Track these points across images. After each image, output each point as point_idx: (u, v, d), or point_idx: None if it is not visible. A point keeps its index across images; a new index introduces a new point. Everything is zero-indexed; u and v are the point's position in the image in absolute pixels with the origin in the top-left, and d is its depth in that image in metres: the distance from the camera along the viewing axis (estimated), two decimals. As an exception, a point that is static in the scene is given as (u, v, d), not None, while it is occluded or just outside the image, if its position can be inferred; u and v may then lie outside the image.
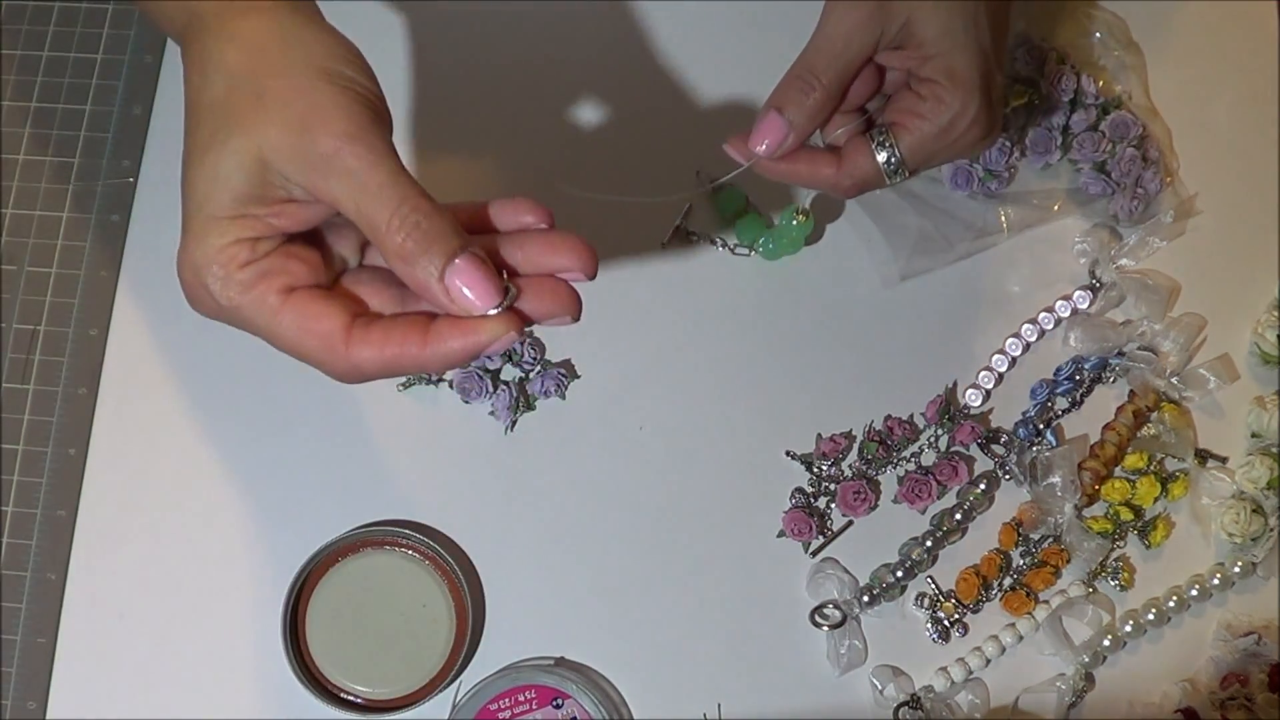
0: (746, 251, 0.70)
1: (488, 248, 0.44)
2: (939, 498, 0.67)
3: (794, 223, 0.67)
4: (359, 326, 0.44)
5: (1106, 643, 0.65)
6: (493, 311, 0.42)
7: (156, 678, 0.62)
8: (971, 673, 0.64)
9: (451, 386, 0.67)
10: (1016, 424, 0.69)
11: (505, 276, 0.43)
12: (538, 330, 0.68)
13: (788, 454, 0.67)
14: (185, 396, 0.67)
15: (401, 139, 0.72)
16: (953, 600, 0.66)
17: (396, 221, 0.42)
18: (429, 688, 0.62)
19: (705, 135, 0.69)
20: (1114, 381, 0.70)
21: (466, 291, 0.42)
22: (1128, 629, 0.65)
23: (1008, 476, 0.68)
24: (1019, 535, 0.67)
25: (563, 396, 0.68)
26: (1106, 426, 0.68)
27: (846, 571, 0.65)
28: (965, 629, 0.65)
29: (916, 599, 0.66)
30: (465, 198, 0.48)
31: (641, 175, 0.71)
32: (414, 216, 0.42)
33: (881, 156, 0.56)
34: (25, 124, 0.71)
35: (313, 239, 0.47)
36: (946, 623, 0.65)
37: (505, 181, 0.71)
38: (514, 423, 0.67)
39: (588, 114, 0.72)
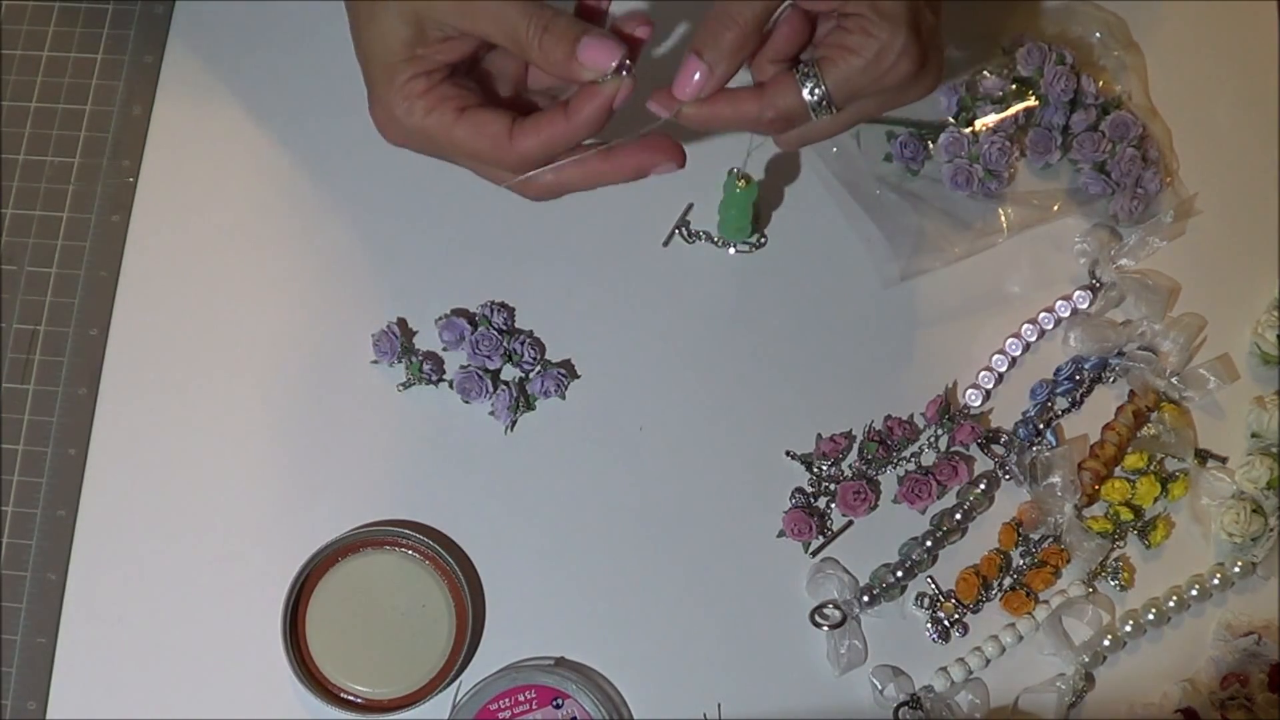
0: (748, 248, 0.70)
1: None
2: (939, 498, 0.67)
3: (736, 189, 0.65)
4: (518, 125, 0.53)
5: (1106, 643, 0.65)
6: (613, 64, 0.52)
7: (156, 678, 0.62)
8: (971, 673, 0.64)
9: (452, 386, 0.67)
10: (1016, 424, 0.69)
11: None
12: (538, 330, 0.68)
13: (788, 454, 0.67)
14: (185, 396, 0.67)
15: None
16: (953, 600, 0.66)
17: (532, 31, 0.52)
18: (429, 688, 0.62)
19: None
20: (1114, 381, 0.70)
21: (596, 57, 0.52)
22: (1128, 629, 0.65)
23: (1008, 476, 0.68)
24: (1019, 535, 0.67)
25: (563, 396, 0.68)
26: (1106, 426, 0.68)
27: (846, 571, 0.65)
28: (965, 629, 0.65)
29: (916, 599, 0.66)
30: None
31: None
32: (542, 22, 0.52)
33: (806, 89, 0.54)
34: (25, 124, 0.71)
35: (478, 77, 0.57)
36: (946, 623, 0.65)
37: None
38: (514, 423, 0.67)
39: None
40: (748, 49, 0.54)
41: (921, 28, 0.55)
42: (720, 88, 0.54)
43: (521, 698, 0.61)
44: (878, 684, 0.64)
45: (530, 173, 0.54)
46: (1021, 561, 0.67)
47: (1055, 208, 0.72)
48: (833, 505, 0.67)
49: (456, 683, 0.63)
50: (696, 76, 0.54)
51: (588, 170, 0.55)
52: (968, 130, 0.70)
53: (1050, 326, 0.70)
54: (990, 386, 0.69)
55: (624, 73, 0.52)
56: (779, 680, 0.64)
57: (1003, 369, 0.69)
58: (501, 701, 0.61)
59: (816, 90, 0.54)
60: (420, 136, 0.55)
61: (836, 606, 0.65)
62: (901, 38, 0.54)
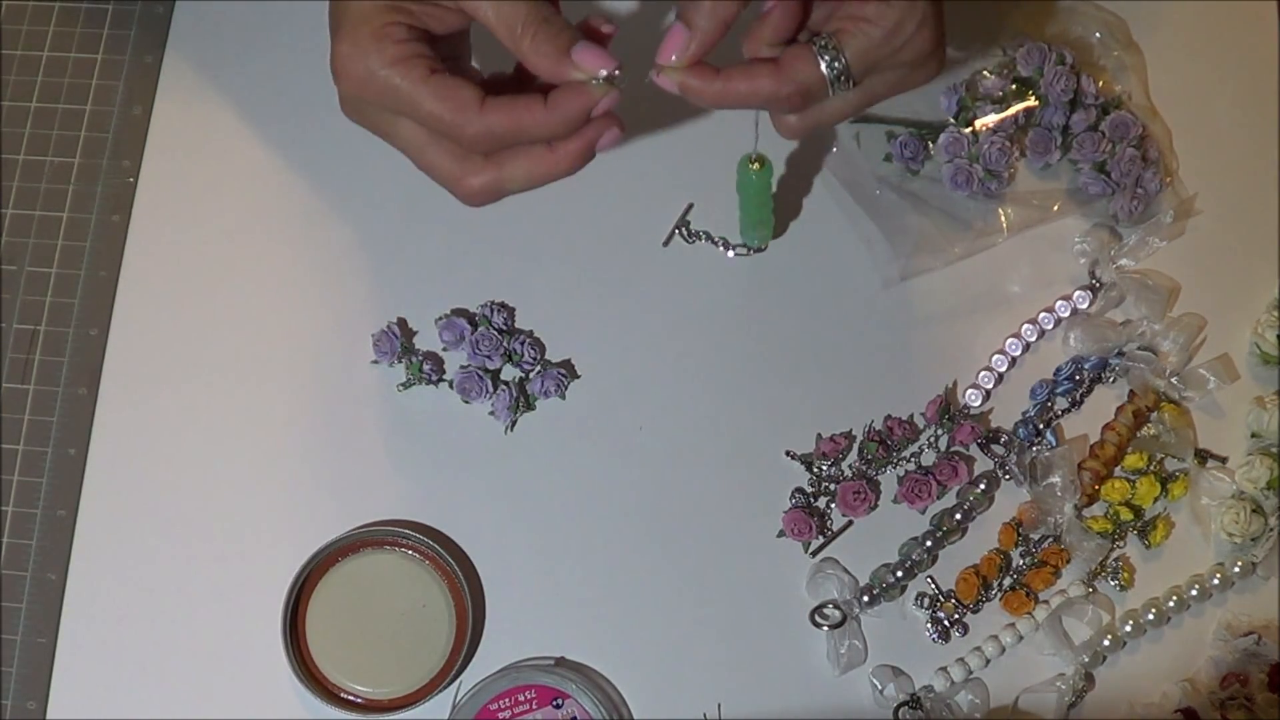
0: (745, 250, 0.70)
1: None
2: (939, 498, 0.67)
3: (751, 175, 0.63)
4: (490, 99, 0.51)
5: (1106, 643, 0.65)
6: (604, 73, 0.51)
7: (156, 678, 0.62)
8: (971, 673, 0.64)
9: (452, 386, 0.67)
10: (1016, 424, 0.69)
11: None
12: (538, 330, 0.68)
13: (788, 454, 0.67)
14: (185, 396, 0.67)
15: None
16: (953, 600, 0.66)
17: (529, 20, 0.51)
18: (429, 688, 0.62)
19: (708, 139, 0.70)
20: (1114, 381, 0.70)
21: (590, 59, 0.51)
22: (1128, 629, 0.65)
23: (1008, 476, 0.68)
24: (1019, 535, 0.67)
25: (563, 396, 0.68)
26: (1106, 426, 0.68)
27: (846, 571, 0.65)
28: (965, 629, 0.65)
29: (916, 599, 0.66)
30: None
31: (643, 173, 0.71)
32: (541, 14, 0.51)
33: (824, 61, 0.53)
34: (25, 124, 0.71)
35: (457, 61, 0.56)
36: (946, 623, 0.65)
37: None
38: (514, 423, 0.67)
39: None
40: (729, 11, 0.52)
41: (940, 2, 0.54)
42: (701, 53, 0.52)
43: (521, 698, 0.61)
44: (878, 684, 0.64)
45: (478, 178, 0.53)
46: (1021, 561, 0.67)
47: (1055, 208, 0.72)
48: (833, 505, 0.67)
49: (456, 683, 0.63)
50: (678, 38, 0.52)
51: (537, 162, 0.53)
52: (968, 130, 0.70)
53: (1050, 326, 0.70)
54: (990, 386, 0.69)
55: (613, 84, 0.50)
56: (779, 680, 0.64)
57: (1003, 369, 0.69)
58: (501, 701, 0.61)
59: (836, 64, 0.53)
60: (380, 87, 0.51)
61: (836, 606, 0.64)
62: (921, 6, 0.53)
